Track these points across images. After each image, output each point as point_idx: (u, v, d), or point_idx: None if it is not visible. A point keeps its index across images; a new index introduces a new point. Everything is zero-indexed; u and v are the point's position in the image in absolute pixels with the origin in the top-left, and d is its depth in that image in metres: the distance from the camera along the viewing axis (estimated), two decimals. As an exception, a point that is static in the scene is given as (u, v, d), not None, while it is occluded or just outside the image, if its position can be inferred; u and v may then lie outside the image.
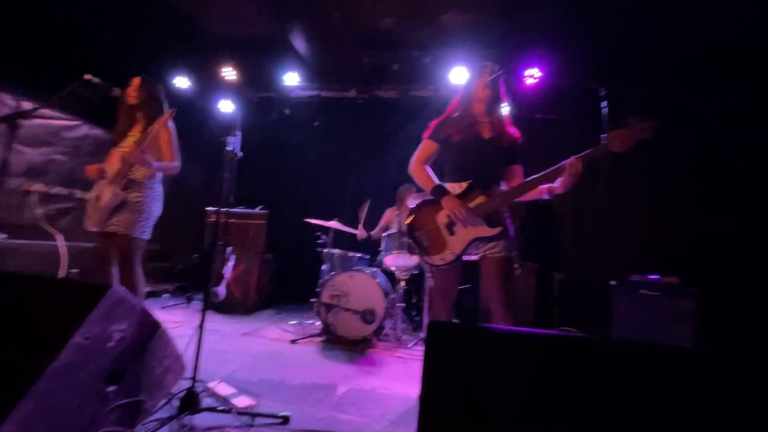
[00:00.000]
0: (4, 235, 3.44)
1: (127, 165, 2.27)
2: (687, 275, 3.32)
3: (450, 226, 1.90)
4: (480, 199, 1.87)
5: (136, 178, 2.30)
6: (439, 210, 1.91)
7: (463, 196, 1.90)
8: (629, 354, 0.98)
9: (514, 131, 2.02)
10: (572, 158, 1.74)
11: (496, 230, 1.85)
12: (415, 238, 1.97)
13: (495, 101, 1.98)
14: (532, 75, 4.13)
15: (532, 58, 4.10)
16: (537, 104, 4.51)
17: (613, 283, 3.46)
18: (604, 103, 1.67)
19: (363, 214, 4.03)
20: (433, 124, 2.06)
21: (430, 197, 1.98)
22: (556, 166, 1.77)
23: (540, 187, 1.85)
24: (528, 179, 1.85)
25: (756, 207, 3.82)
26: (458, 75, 4.22)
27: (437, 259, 1.90)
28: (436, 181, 1.98)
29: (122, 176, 2.27)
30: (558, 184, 1.79)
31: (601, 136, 1.69)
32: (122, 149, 2.36)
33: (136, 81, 2.41)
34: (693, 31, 3.51)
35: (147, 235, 2.33)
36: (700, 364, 0.94)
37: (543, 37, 3.92)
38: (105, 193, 2.25)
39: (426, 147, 2.03)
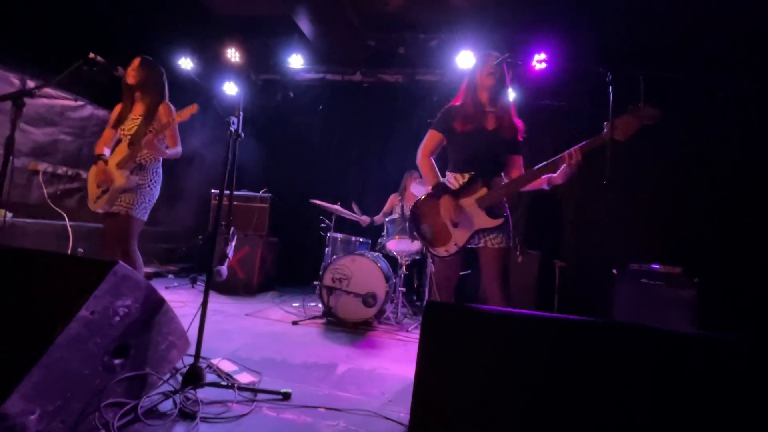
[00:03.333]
0: (11, 214, 3.49)
1: (138, 150, 2.30)
2: (689, 265, 3.31)
3: (452, 222, 1.91)
4: (482, 192, 1.89)
5: (142, 162, 2.36)
6: None
7: (465, 188, 1.93)
8: (627, 336, 0.99)
9: (518, 122, 2.02)
10: (572, 149, 1.73)
11: (498, 221, 1.88)
12: (420, 230, 2.00)
13: (500, 89, 1.99)
14: (541, 60, 4.06)
15: (541, 43, 4.02)
16: (545, 90, 4.44)
17: (614, 271, 3.46)
18: (610, 90, 1.65)
19: (352, 213, 4.07)
20: (439, 113, 2.07)
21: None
22: (556, 157, 1.77)
23: (540, 178, 1.86)
24: (529, 170, 1.85)
25: (761, 196, 3.78)
26: (465, 59, 4.15)
27: (442, 251, 1.93)
28: (439, 176, 2.01)
29: (132, 160, 2.31)
30: (557, 175, 1.80)
31: (604, 124, 1.67)
32: (123, 131, 2.39)
33: (136, 61, 2.42)
34: (705, 15, 3.42)
35: (146, 216, 2.40)
36: (700, 348, 0.95)
37: (551, 22, 3.84)
38: (115, 177, 2.29)
39: (431, 137, 2.06)
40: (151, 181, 2.39)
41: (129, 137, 2.35)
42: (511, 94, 4.24)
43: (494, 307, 1.06)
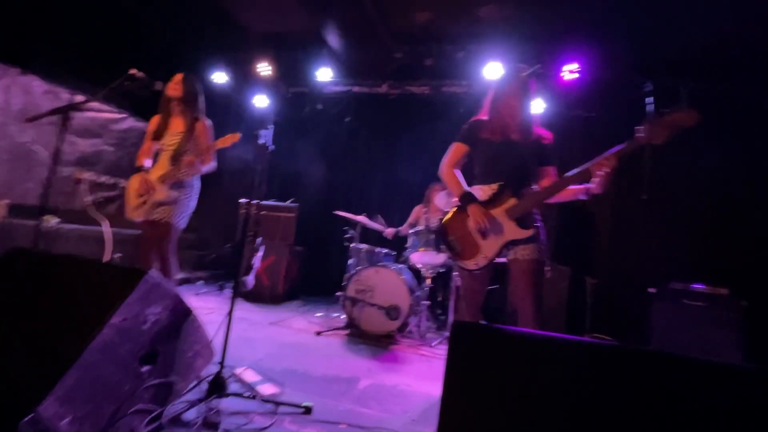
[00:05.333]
0: (57, 220, 3.70)
1: (179, 168, 2.41)
2: (736, 286, 3.08)
3: (482, 230, 1.86)
4: (511, 201, 1.83)
5: (182, 178, 2.47)
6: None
7: (494, 199, 1.87)
8: (665, 367, 0.92)
9: (544, 132, 1.97)
10: (607, 153, 1.65)
11: (529, 232, 1.81)
12: (449, 243, 1.95)
13: (526, 103, 1.94)
14: (572, 70, 3.96)
15: (572, 53, 3.92)
16: (576, 100, 4.32)
17: (652, 290, 3.27)
18: (649, 99, 1.56)
19: (377, 224, 4.09)
20: (464, 126, 2.04)
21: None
22: (589, 163, 1.69)
23: (575, 187, 1.78)
24: (561, 178, 1.78)
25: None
26: (492, 70, 4.11)
27: (471, 264, 1.88)
28: (465, 186, 1.96)
29: (173, 177, 2.43)
30: (594, 184, 1.71)
31: (636, 128, 1.58)
32: (164, 145, 2.51)
33: (179, 76, 2.56)
34: (750, 22, 3.24)
35: (184, 225, 2.50)
36: (753, 384, 0.87)
37: (583, 30, 3.75)
38: (157, 192, 2.41)
39: (456, 150, 2.02)
40: (189, 193, 2.51)
41: (171, 152, 2.47)
42: (541, 105, 4.20)
43: (525, 329, 1.01)
